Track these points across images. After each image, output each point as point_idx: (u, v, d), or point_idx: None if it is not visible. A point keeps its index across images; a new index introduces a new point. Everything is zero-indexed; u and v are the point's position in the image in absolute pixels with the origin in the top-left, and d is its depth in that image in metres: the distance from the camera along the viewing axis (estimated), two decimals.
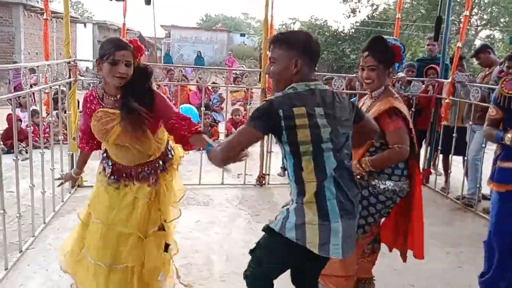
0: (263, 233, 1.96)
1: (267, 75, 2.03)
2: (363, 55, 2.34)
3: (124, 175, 2.30)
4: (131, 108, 2.11)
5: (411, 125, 2.35)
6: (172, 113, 2.22)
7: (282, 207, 1.94)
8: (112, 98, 2.19)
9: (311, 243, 1.77)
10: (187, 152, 2.45)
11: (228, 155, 1.79)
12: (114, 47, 2.07)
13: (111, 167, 2.31)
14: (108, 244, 2.27)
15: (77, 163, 2.58)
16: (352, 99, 4.74)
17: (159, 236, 2.38)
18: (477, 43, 18.79)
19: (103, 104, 2.20)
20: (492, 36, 21.68)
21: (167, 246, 2.45)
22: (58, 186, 2.92)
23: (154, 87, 2.31)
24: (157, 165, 2.34)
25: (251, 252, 2.01)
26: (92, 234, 2.34)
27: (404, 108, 2.33)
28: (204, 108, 5.47)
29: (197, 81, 4.88)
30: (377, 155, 2.31)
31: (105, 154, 2.36)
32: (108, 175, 2.31)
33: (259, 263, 1.95)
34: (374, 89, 2.37)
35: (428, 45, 5.78)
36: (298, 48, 1.82)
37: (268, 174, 5.00)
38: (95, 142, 2.39)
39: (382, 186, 2.34)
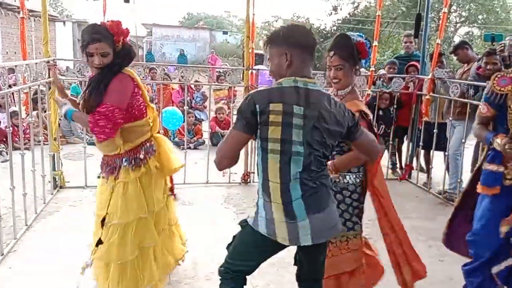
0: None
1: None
2: (329, 54, 2.31)
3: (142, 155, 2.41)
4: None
5: (373, 126, 2.40)
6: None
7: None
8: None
9: (282, 238, 1.81)
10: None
11: (223, 161, 1.81)
12: (88, 40, 2.15)
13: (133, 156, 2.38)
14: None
15: (77, 117, 2.32)
16: None
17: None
18: (456, 39, 19.09)
19: None
20: (470, 33, 22.07)
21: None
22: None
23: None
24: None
25: (228, 247, 2.02)
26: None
27: (368, 111, 2.37)
28: (187, 107, 5.44)
29: (179, 80, 4.86)
30: (338, 159, 2.27)
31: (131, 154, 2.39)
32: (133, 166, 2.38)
33: (233, 256, 1.96)
34: (342, 88, 2.34)
35: (405, 42, 5.85)
36: (287, 41, 1.81)
37: (253, 172, 5.00)
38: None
39: (344, 181, 2.37)
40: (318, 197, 1.83)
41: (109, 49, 2.19)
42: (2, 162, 4.91)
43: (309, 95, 1.77)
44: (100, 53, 2.16)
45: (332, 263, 2.33)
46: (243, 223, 1.95)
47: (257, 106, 1.72)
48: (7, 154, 5.31)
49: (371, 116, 2.38)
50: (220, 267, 1.99)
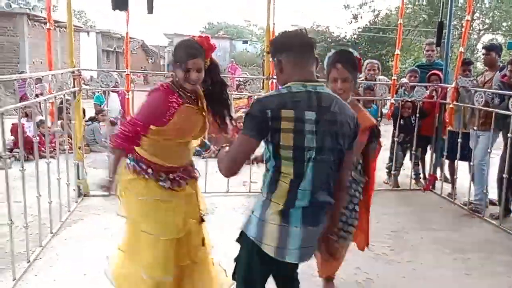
0: None
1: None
2: (336, 67, 2.37)
3: (173, 179, 2.31)
4: (218, 103, 2.31)
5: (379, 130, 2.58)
6: None
7: None
8: (190, 95, 2.24)
9: (268, 245, 1.76)
10: None
11: (230, 166, 1.78)
12: (186, 56, 2.13)
13: (153, 175, 2.27)
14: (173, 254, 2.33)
15: (113, 167, 2.24)
16: None
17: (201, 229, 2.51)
18: (479, 47, 18.77)
19: (186, 100, 2.21)
20: (494, 40, 21.67)
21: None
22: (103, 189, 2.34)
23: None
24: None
25: (235, 259, 2.03)
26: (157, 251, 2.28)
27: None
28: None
29: None
30: None
31: (140, 163, 2.26)
32: (169, 185, 2.29)
33: (240, 272, 1.98)
34: (345, 99, 2.36)
35: (427, 50, 5.78)
36: (275, 49, 1.82)
37: None
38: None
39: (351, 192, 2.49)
40: (319, 211, 1.81)
41: (203, 64, 2.20)
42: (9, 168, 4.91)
43: (321, 99, 1.75)
44: (196, 69, 2.15)
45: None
46: (242, 231, 1.92)
47: (269, 111, 1.68)
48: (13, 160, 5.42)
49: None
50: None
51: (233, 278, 2.05)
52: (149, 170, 2.25)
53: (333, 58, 2.43)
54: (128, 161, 2.31)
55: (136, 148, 2.24)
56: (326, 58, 2.51)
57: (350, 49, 2.50)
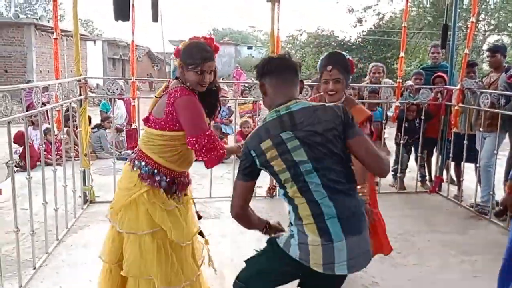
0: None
1: None
2: (327, 69, 2.44)
3: (182, 184, 2.33)
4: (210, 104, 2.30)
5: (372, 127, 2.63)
6: None
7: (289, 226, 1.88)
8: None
9: (315, 264, 1.72)
10: None
11: (236, 211, 1.92)
12: (202, 59, 2.12)
13: (168, 182, 2.24)
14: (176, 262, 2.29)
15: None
16: None
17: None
18: (485, 48, 18.68)
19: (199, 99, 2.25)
20: (500, 41, 21.56)
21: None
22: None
23: None
24: None
25: (247, 261, 1.95)
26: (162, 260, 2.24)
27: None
28: (213, 122, 5.50)
29: None
30: None
31: (156, 171, 2.21)
32: (169, 191, 2.27)
33: (251, 274, 1.90)
34: (337, 100, 2.49)
35: (432, 53, 5.76)
36: (258, 74, 1.90)
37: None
38: None
39: None
40: (354, 218, 1.76)
41: (215, 65, 2.22)
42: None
43: (293, 118, 1.77)
44: (210, 71, 2.17)
45: None
46: (272, 241, 1.89)
47: (252, 151, 1.80)
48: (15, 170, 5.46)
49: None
50: (235, 281, 1.93)
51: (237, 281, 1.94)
52: (163, 182, 2.22)
53: (324, 61, 2.50)
54: (142, 170, 2.21)
55: (154, 156, 2.20)
56: (319, 61, 2.56)
57: (342, 52, 2.59)
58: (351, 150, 1.80)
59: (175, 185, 2.28)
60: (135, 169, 2.23)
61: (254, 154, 1.79)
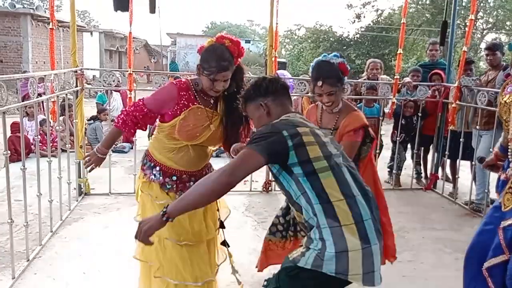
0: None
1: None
2: (317, 84, 2.45)
3: (191, 183, 2.23)
4: (235, 110, 2.17)
5: (370, 131, 2.59)
6: None
7: (305, 241, 1.65)
8: (207, 99, 2.21)
9: (355, 275, 1.55)
10: None
11: (230, 180, 1.57)
12: (217, 68, 2.06)
13: (176, 181, 2.23)
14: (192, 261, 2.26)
15: (105, 141, 2.28)
16: (358, 105, 4.75)
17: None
18: (483, 46, 18.71)
19: (199, 102, 2.18)
20: (498, 40, 21.58)
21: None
22: (86, 167, 2.34)
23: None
24: (209, 164, 2.43)
25: None
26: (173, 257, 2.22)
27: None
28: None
29: None
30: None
31: (157, 168, 2.23)
32: (175, 189, 2.24)
33: None
34: (335, 107, 2.53)
35: (430, 50, 5.75)
36: (255, 95, 1.88)
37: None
38: (141, 127, 2.24)
39: None
40: (376, 221, 1.67)
41: (231, 74, 2.14)
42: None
43: (307, 123, 1.82)
44: (224, 80, 2.11)
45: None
46: (292, 271, 1.62)
47: (284, 131, 1.64)
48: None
49: (372, 132, 2.59)
50: None
51: None
52: (156, 175, 2.22)
53: (315, 75, 2.48)
54: (145, 163, 2.29)
55: (154, 152, 2.25)
56: (311, 67, 2.55)
57: (328, 57, 2.53)
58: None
59: (172, 181, 2.24)
60: (141, 161, 2.36)
61: (286, 134, 1.62)
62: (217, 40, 2.16)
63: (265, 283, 1.72)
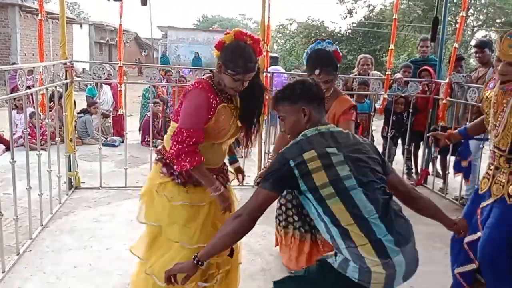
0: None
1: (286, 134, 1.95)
2: (315, 72, 2.52)
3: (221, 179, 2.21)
4: (252, 106, 2.15)
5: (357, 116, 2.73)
6: None
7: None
8: (225, 95, 2.12)
9: (377, 283, 1.62)
10: None
11: (250, 224, 1.70)
12: (244, 70, 1.99)
13: (182, 176, 2.13)
14: None
15: (206, 181, 2.06)
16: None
17: None
18: (473, 43, 18.86)
19: (222, 99, 2.09)
20: (488, 37, 21.78)
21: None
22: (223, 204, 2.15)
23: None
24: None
25: (280, 283, 1.79)
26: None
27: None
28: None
29: None
30: None
31: (171, 163, 2.11)
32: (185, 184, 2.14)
33: None
34: (328, 93, 2.61)
35: (421, 46, 5.78)
36: (304, 97, 1.84)
37: None
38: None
39: None
40: (401, 225, 1.72)
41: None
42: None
43: (336, 137, 1.77)
44: (248, 81, 2.04)
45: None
46: (322, 262, 1.75)
47: (291, 161, 1.68)
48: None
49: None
50: None
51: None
52: (181, 176, 2.12)
53: (312, 63, 2.55)
54: (159, 158, 2.19)
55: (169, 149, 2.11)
56: (305, 53, 2.58)
57: (323, 43, 2.60)
58: (390, 184, 1.83)
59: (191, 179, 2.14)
60: (156, 157, 2.23)
61: (293, 164, 1.67)
62: (237, 37, 2.03)
63: (293, 272, 1.84)
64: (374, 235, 1.61)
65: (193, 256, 1.72)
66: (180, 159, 1.96)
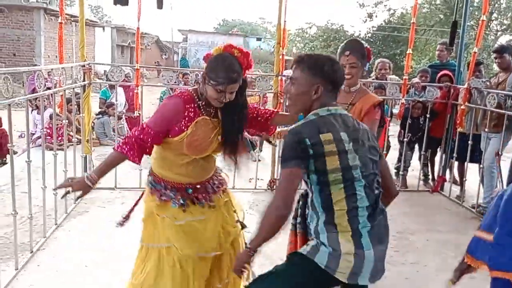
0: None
1: (284, 94, 1.95)
2: (345, 53, 2.58)
3: (203, 194, 2.17)
4: (232, 121, 2.10)
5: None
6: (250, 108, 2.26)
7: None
8: (209, 109, 2.09)
9: (341, 273, 1.66)
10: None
11: (287, 203, 1.67)
12: (226, 80, 1.94)
13: (191, 194, 2.14)
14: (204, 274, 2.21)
15: (100, 170, 2.01)
16: None
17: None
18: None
19: (203, 112, 2.06)
20: None
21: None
22: (62, 198, 2.25)
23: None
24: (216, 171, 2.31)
25: (259, 278, 1.78)
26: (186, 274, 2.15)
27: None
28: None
29: None
30: None
31: (169, 187, 2.12)
32: (194, 201, 2.15)
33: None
34: (353, 85, 2.62)
35: (440, 50, 5.70)
36: (322, 74, 1.76)
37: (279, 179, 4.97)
38: (148, 152, 2.06)
39: None
40: (381, 227, 1.75)
41: (238, 86, 2.02)
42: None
43: (345, 120, 1.76)
44: (231, 92, 2.00)
45: None
46: (295, 254, 1.80)
47: (307, 139, 1.66)
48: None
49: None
50: None
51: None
52: (178, 196, 2.11)
53: (343, 47, 2.64)
54: (151, 186, 2.17)
55: (161, 172, 2.13)
56: (339, 48, 2.70)
57: (360, 40, 2.73)
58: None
59: (188, 195, 2.14)
60: (147, 184, 2.23)
61: (309, 143, 1.64)
62: (225, 49, 2.03)
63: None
64: (356, 225, 1.67)
65: (246, 247, 1.80)
66: (125, 146, 1.96)
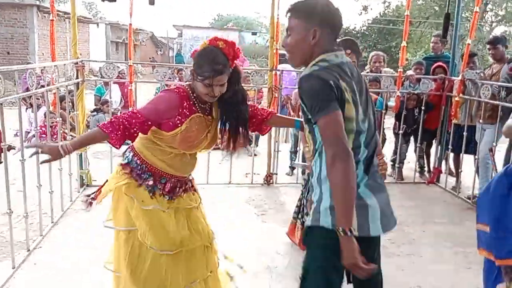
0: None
1: (283, 47, 1.82)
2: (347, 52, 2.67)
3: (177, 189, 2.19)
4: (233, 114, 2.12)
5: None
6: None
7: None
8: (203, 105, 2.10)
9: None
10: None
11: (343, 147, 1.53)
12: (211, 72, 1.94)
13: (164, 184, 2.15)
14: (178, 269, 2.20)
15: (78, 141, 2.00)
16: None
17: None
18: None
19: (198, 109, 2.08)
20: (508, 32, 21.32)
21: None
22: (30, 157, 2.24)
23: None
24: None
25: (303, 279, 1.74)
26: (156, 267, 2.15)
27: None
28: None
29: None
30: None
31: (149, 173, 2.13)
32: (165, 194, 2.16)
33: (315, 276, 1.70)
34: None
35: (434, 42, 5.70)
36: (317, 17, 1.65)
37: (276, 174, 4.98)
38: (131, 137, 2.01)
39: None
40: (376, 179, 1.74)
41: (227, 78, 2.03)
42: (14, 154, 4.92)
43: (351, 69, 1.69)
44: (220, 84, 2.00)
45: None
46: (306, 233, 1.75)
47: (331, 82, 1.56)
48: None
49: None
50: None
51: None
52: (150, 181, 2.12)
53: (343, 44, 2.79)
54: (127, 162, 2.15)
55: (144, 151, 2.12)
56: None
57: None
58: None
59: (161, 184, 2.15)
60: (123, 159, 2.19)
61: (334, 85, 1.55)
62: (210, 43, 2.04)
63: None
64: (357, 176, 1.61)
65: (343, 230, 1.51)
66: (110, 125, 1.91)
